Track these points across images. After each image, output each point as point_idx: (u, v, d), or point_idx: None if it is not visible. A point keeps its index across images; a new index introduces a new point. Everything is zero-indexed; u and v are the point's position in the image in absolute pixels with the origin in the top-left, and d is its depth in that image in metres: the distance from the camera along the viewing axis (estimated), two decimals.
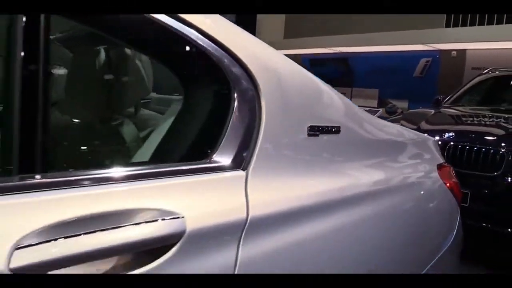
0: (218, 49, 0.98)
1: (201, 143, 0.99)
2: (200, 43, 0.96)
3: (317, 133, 1.13)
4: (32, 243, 0.64)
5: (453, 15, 10.70)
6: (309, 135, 1.11)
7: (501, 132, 3.58)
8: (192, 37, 0.95)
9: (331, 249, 1.09)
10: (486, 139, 3.47)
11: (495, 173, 3.23)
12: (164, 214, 0.79)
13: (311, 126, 1.12)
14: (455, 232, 1.57)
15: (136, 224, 0.75)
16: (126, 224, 0.74)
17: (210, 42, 0.97)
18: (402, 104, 9.58)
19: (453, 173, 1.67)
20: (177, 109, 1.08)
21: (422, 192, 1.43)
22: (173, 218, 0.79)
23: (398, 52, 11.41)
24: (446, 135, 3.55)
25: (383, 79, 11.19)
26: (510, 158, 3.21)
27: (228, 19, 1.08)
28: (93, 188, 0.76)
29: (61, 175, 0.76)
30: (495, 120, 4.05)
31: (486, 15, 9.81)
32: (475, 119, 4.20)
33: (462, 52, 10.59)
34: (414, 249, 1.40)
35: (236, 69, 1.01)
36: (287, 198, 1.01)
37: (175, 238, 0.78)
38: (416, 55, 11.36)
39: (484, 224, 3.24)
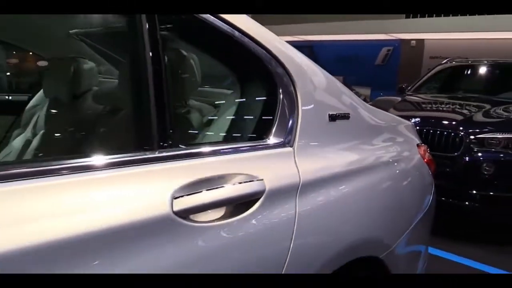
0: (266, 53, 1.29)
1: (260, 127, 1.31)
2: (255, 49, 1.27)
3: (335, 119, 1.47)
4: (181, 195, 0.95)
5: None
6: (330, 120, 1.44)
7: (459, 117, 4.08)
8: (249, 44, 1.25)
9: (359, 205, 1.45)
10: (447, 123, 3.95)
11: (455, 154, 3.71)
12: (252, 177, 1.10)
13: (330, 114, 1.45)
14: (431, 198, 1.97)
15: (240, 183, 1.07)
16: (230, 184, 1.06)
17: (261, 48, 1.28)
18: (365, 91, 10.09)
19: (428, 151, 2.06)
20: (233, 101, 1.39)
21: (411, 165, 1.80)
22: (258, 180, 1.11)
23: (361, 41, 11.90)
24: (413, 120, 3.98)
25: (347, 67, 11.64)
26: (467, 140, 3.69)
27: None
28: (202, 159, 1.08)
29: (180, 150, 1.06)
30: (452, 106, 4.55)
31: None
32: (434, 105, 4.70)
33: (421, 41, 11.22)
34: (410, 204, 1.81)
35: (279, 69, 1.33)
36: (323, 167, 1.34)
37: (260, 194, 1.10)
38: (378, 44, 11.89)
39: (443, 199, 3.69)
